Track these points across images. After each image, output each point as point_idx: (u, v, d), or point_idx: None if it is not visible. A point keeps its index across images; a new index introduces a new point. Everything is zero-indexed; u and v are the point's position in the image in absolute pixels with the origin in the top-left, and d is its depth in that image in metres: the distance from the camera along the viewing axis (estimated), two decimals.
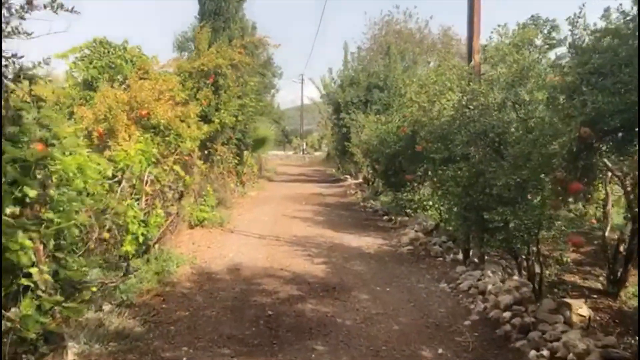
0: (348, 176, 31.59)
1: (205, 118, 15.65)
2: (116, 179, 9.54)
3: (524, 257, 8.74)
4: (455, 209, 9.89)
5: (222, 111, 16.27)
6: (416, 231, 14.07)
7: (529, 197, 8.10)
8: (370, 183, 24.64)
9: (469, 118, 9.00)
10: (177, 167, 12.32)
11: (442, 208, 15.20)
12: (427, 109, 10.94)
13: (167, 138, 12.24)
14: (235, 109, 16.84)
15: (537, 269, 8.08)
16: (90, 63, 13.97)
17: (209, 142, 16.74)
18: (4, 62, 4.42)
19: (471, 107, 8.87)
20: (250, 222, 15.77)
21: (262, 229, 14.72)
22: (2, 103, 4.34)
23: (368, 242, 13.14)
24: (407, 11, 43.12)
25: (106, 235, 9.24)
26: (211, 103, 16.09)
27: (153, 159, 11.19)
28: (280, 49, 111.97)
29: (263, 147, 25.59)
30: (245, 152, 23.96)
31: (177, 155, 12.58)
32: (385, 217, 16.93)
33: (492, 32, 9.73)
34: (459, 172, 9.37)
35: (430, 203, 15.33)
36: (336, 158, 36.02)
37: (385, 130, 16.61)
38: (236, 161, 21.54)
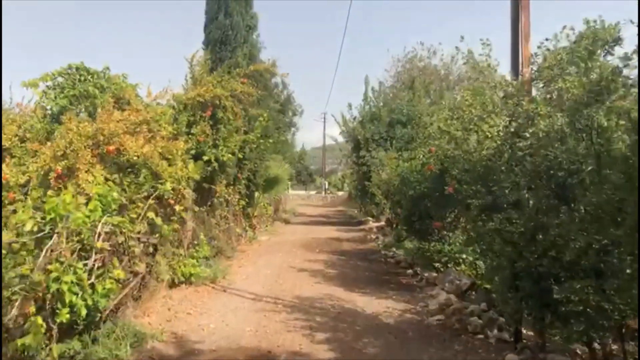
0: (370, 218, 28.79)
1: (201, 155, 13.22)
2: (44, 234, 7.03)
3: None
4: (501, 274, 7.03)
5: (221, 147, 13.75)
6: (447, 292, 11.22)
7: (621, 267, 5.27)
8: (394, 226, 21.80)
9: (521, 150, 6.24)
10: (151, 214, 9.77)
11: (477, 262, 12.39)
12: (461, 140, 8.21)
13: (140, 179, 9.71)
14: (236, 146, 14.31)
15: None
16: (62, 92, 11.64)
17: (206, 183, 14.19)
18: None
19: (526, 134, 6.11)
20: (250, 277, 13.09)
21: (261, 286, 12.03)
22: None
23: (387, 306, 10.33)
24: (432, 48, 40.78)
25: (31, 309, 6.70)
26: (208, 138, 13.61)
27: (114, 206, 8.65)
28: (303, 90, 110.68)
29: (276, 188, 22.97)
30: (256, 193, 21.44)
31: (153, 199, 10.01)
32: (410, 272, 14.07)
33: (542, 42, 7.08)
34: (507, 226, 6.57)
35: (464, 256, 12.45)
36: (357, 199, 33.30)
37: (408, 168, 13.88)
38: (244, 203, 18.98)
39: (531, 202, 6.26)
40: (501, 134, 6.86)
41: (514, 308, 6.93)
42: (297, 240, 20.67)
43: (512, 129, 6.65)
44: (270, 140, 18.20)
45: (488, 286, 11.21)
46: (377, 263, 15.96)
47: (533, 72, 7.12)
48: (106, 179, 9.21)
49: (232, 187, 17.33)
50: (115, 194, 8.67)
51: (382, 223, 25.29)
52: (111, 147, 9.70)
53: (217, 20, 17.29)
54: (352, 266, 15.09)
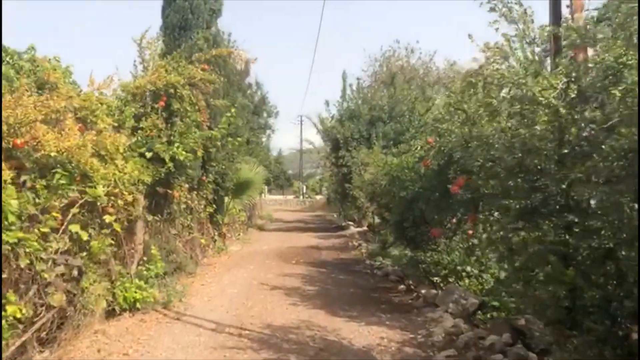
0: (350, 223, 26.47)
1: (155, 154, 10.78)
2: None
3: None
4: (553, 308, 4.72)
5: (177, 144, 11.29)
6: (451, 314, 8.95)
7: None
8: (376, 231, 19.53)
9: (595, 124, 3.95)
10: (75, 227, 7.37)
11: (483, 275, 10.15)
12: (478, 120, 5.90)
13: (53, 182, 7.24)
14: (197, 143, 11.88)
15: None
16: None
17: (162, 187, 11.73)
18: None
19: (604, 98, 3.84)
20: (213, 299, 10.66)
21: (225, 310, 9.66)
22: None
23: (381, 336, 8.03)
24: (409, 46, 38.77)
25: None
26: (160, 134, 11.15)
27: (12, 218, 6.25)
28: (279, 93, 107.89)
29: (249, 192, 20.53)
30: (226, 199, 19.00)
31: (79, 207, 7.58)
32: (402, 287, 11.76)
33: None
34: (569, 239, 4.28)
35: (468, 268, 10.19)
36: (337, 202, 30.97)
37: (398, 165, 11.58)
38: (212, 209, 16.54)
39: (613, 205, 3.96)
40: (560, 101, 4.58)
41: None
42: (272, 250, 18.25)
43: (575, 93, 4.39)
44: (239, 139, 15.78)
45: (497, 304, 9.02)
46: (362, 276, 13.64)
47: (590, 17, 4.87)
48: (12, 182, 6.71)
49: (196, 191, 14.90)
50: (13, 202, 6.22)
51: (365, 228, 23.02)
52: (19, 140, 7.19)
53: (175, 3, 14.82)
54: (334, 281, 12.74)
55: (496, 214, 6.46)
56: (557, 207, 4.82)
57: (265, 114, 37.54)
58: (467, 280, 10.25)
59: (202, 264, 14.55)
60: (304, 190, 59.32)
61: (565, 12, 5.78)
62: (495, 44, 5.70)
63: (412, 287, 11.41)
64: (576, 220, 4.55)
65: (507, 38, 5.55)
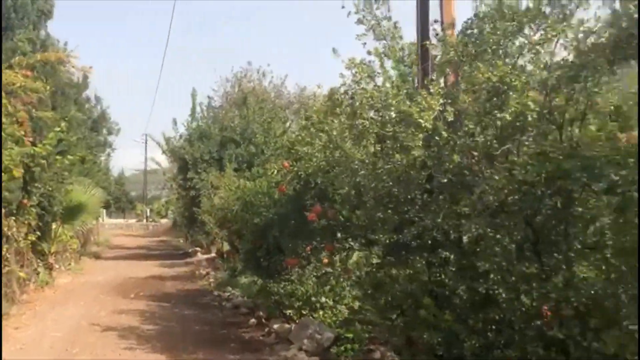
0: (198, 249, 24.94)
1: None
2: None
3: None
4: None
5: None
6: (307, 351, 8.23)
7: None
8: (226, 257, 18.40)
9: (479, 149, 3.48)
10: None
11: (338, 306, 9.65)
12: (342, 143, 5.29)
13: None
14: (14, 161, 9.97)
15: None
16: None
17: None
18: None
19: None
20: (28, 347, 8.82)
21: None
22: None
23: None
24: (261, 69, 38.43)
25: None
26: None
27: None
28: (124, 110, 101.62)
29: (82, 217, 18.30)
30: (54, 225, 16.68)
31: None
32: (253, 321, 10.80)
33: None
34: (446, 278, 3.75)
35: (323, 300, 9.61)
36: (183, 227, 29.19)
37: (252, 189, 10.74)
38: (35, 237, 14.26)
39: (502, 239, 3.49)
40: (439, 123, 4.08)
41: None
42: (109, 282, 16.27)
43: (453, 116, 3.92)
44: (70, 157, 13.85)
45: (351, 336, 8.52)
46: (210, 309, 12.46)
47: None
48: None
49: (14, 217, 12.69)
50: None
51: (213, 254, 21.72)
52: None
53: None
54: (178, 317, 11.41)
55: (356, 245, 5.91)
56: (431, 242, 4.32)
57: (105, 131, 34.59)
58: (321, 312, 9.64)
59: (20, 301, 12.32)
60: (148, 214, 55.87)
61: (436, 27, 5.44)
62: (362, 61, 5.17)
63: (264, 320, 10.53)
64: (452, 257, 4.06)
65: (378, 53, 5.04)
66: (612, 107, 4.36)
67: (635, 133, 4.80)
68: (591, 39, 3.96)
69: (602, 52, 3.83)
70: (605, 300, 3.43)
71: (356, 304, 9.02)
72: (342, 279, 9.35)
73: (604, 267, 3.63)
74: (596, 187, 3.53)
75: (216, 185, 16.67)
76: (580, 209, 4.22)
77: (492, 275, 3.85)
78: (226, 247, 18.43)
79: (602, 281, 3.68)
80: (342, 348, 8.27)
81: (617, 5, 3.96)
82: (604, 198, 4.02)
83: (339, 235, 7.64)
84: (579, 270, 3.74)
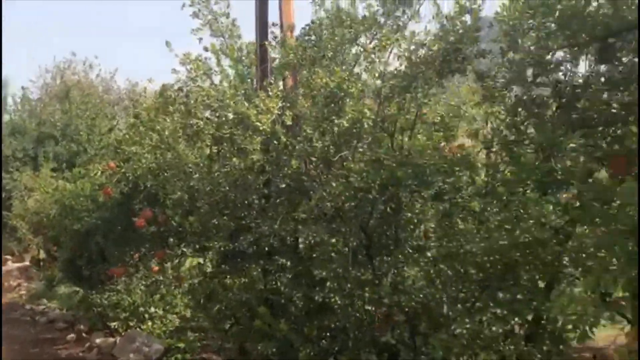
0: (9, 257, 22.14)
1: None
2: None
3: None
4: None
5: None
6: None
7: None
8: (42, 266, 16.58)
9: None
10: None
11: (169, 316, 9.16)
12: (175, 144, 4.94)
13: None
14: None
15: None
16: None
17: None
18: None
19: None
20: None
21: None
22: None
23: None
24: (87, 61, 35.58)
25: None
26: None
27: None
28: None
29: None
30: None
31: None
32: (72, 336, 9.77)
33: None
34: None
35: (152, 310, 9.05)
36: None
37: (72, 191, 9.71)
38: None
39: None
40: (277, 127, 3.94)
41: None
42: None
43: (291, 120, 3.81)
44: None
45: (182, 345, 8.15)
46: (20, 325, 11.03)
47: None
48: None
49: None
50: None
51: (27, 263, 19.45)
52: None
53: None
54: None
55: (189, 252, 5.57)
56: (267, 249, 4.17)
57: None
58: (150, 323, 9.04)
59: None
60: None
61: (275, 30, 5.31)
62: (198, 57, 4.86)
63: (85, 334, 9.60)
64: (288, 264, 3.95)
65: (215, 50, 4.77)
66: (438, 118, 4.60)
67: (457, 144, 5.12)
68: (422, 51, 4.13)
69: (432, 64, 4.01)
70: (433, 304, 3.56)
71: (188, 312, 8.64)
72: (173, 287, 8.86)
73: (431, 272, 3.77)
74: (425, 194, 3.65)
75: (30, 187, 14.92)
76: (409, 214, 4.38)
77: (328, 283, 3.81)
78: (43, 254, 16.61)
79: (430, 285, 3.81)
80: (173, 359, 7.84)
81: (445, 21, 4.19)
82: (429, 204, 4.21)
83: (170, 241, 7.20)
84: (409, 274, 3.85)
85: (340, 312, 3.76)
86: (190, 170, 4.85)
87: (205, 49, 5.13)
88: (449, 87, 5.86)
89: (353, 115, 3.98)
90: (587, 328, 2.76)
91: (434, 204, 4.26)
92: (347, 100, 3.97)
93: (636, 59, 4.07)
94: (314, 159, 4.16)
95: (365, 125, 4.15)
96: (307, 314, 4.05)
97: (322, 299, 3.81)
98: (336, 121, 3.87)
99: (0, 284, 4.04)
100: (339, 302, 3.76)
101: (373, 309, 3.72)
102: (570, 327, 2.92)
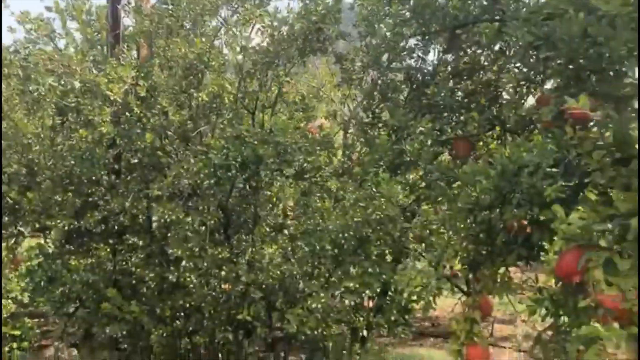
0: None
1: None
2: None
3: None
4: None
5: None
6: None
7: None
8: None
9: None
10: None
11: (5, 302, 8.34)
12: (12, 113, 4.43)
13: None
14: None
15: None
16: None
17: None
18: None
19: None
20: None
21: None
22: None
23: None
24: None
25: None
26: None
27: None
28: None
29: None
30: None
31: None
32: None
33: None
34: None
35: None
36: None
37: None
38: None
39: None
40: (130, 98, 3.65)
41: None
42: None
43: (146, 92, 3.56)
44: None
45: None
46: None
47: None
48: None
49: None
50: None
51: None
52: None
53: None
54: None
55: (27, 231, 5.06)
56: (117, 227, 3.90)
57: None
58: None
59: None
60: None
61: None
62: (39, 17, 4.36)
63: None
64: (140, 243, 3.74)
65: (60, 10, 4.31)
66: (299, 98, 4.63)
67: (316, 123, 5.21)
68: (285, 29, 4.10)
69: (294, 42, 4.00)
70: (289, 280, 3.60)
71: (26, 297, 7.92)
72: (8, 270, 8.03)
73: (289, 249, 3.80)
74: (287, 172, 3.65)
75: None
76: (268, 192, 4.37)
77: (183, 262, 3.67)
78: None
79: (287, 262, 3.84)
80: (7, 348, 7.15)
81: (308, 0, 4.19)
82: (290, 182, 4.24)
83: (5, 220, 6.49)
84: (267, 251, 3.85)
85: (196, 291, 3.66)
86: (30, 141, 4.37)
87: (48, 9, 4.61)
88: (310, 67, 5.93)
89: (213, 89, 3.84)
90: (430, 298, 2.96)
91: (293, 183, 4.31)
92: (208, 73, 3.82)
93: (480, 51, 4.43)
94: (170, 133, 3.95)
95: (226, 101, 4.03)
96: (159, 294, 3.87)
97: (176, 278, 3.67)
98: (195, 94, 3.70)
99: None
100: (194, 281, 3.65)
101: (230, 287, 3.67)
102: (415, 298, 3.10)
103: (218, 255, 3.71)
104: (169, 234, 3.88)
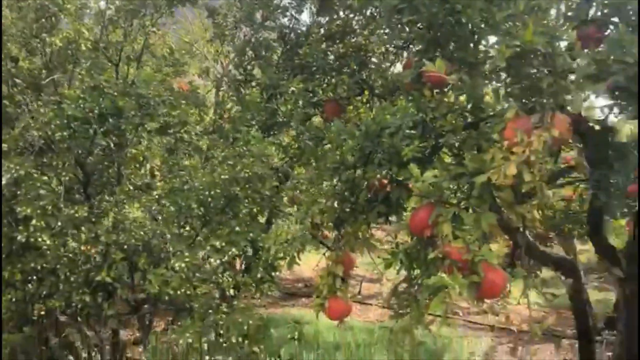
0: None
1: None
2: None
3: None
4: None
5: None
6: None
7: None
8: None
9: None
10: None
11: None
12: None
13: None
14: None
15: None
16: None
17: None
18: None
19: None
20: None
21: None
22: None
23: None
24: None
25: None
26: None
27: None
28: None
29: None
30: None
31: None
32: None
33: None
34: None
35: None
36: None
37: None
38: None
39: None
40: None
41: None
42: None
43: None
44: None
45: None
46: None
47: None
48: None
49: None
50: None
51: None
52: None
53: None
54: None
55: None
56: None
57: None
58: None
59: None
60: None
61: None
62: None
63: None
64: None
65: None
66: (167, 51, 4.40)
67: (187, 80, 5.01)
68: None
69: None
70: (154, 241, 3.46)
71: None
72: None
73: (153, 208, 3.65)
74: (150, 127, 3.47)
75: None
76: (134, 151, 4.15)
77: (34, 221, 3.37)
78: None
79: (152, 222, 3.69)
80: None
81: None
82: (156, 140, 4.05)
83: None
84: (131, 211, 3.66)
85: (50, 252, 3.39)
86: None
87: None
88: (184, 22, 5.66)
89: (68, 34, 3.51)
90: (295, 254, 3.00)
91: (161, 141, 4.12)
92: (63, 16, 3.47)
93: (352, 15, 4.47)
94: (19, 81, 3.57)
95: (83, 47, 3.71)
96: (8, 256, 3.55)
97: (25, 238, 3.36)
98: (48, 40, 3.36)
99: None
100: (47, 242, 3.37)
101: (89, 248, 3.45)
102: (281, 255, 3.13)
103: (75, 214, 3.46)
104: (18, 192, 3.54)
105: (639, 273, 3.53)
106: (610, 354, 5.14)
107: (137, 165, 4.46)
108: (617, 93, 2.47)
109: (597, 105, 2.55)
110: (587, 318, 4.96)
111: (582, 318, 4.85)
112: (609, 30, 2.80)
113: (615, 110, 2.55)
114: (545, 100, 2.27)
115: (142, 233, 3.53)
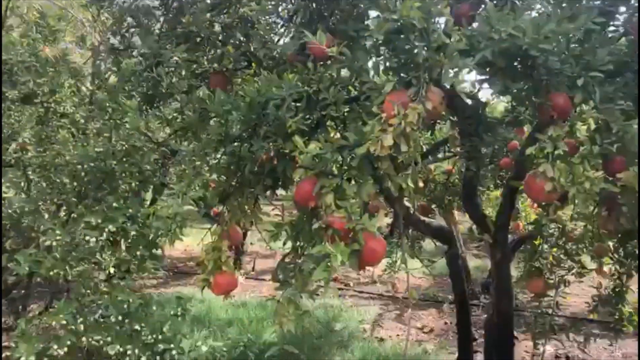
0: None
1: None
2: None
3: None
4: None
5: None
6: None
7: None
8: None
9: None
10: None
11: None
12: None
13: None
14: None
15: None
16: None
17: None
18: None
19: None
20: None
21: None
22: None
23: None
24: None
25: None
26: None
27: None
28: None
29: None
30: None
31: None
32: None
33: None
34: None
35: None
36: None
37: None
38: None
39: None
40: None
41: None
42: None
43: None
44: None
45: None
46: None
47: None
48: None
49: None
50: None
51: None
52: None
53: None
54: None
55: None
56: None
57: None
58: None
59: None
60: None
61: None
62: None
63: None
64: None
65: None
66: (36, 16, 4.06)
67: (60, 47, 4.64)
68: None
69: None
70: (24, 219, 3.21)
71: None
72: None
73: (24, 184, 3.37)
74: (11, 94, 3.19)
75: None
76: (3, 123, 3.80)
77: None
78: None
79: (23, 199, 3.42)
80: None
81: None
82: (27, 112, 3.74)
83: None
84: None
85: None
86: None
87: None
88: None
89: None
90: (177, 229, 2.92)
91: (32, 113, 3.81)
92: None
93: None
94: None
95: None
96: None
97: None
98: None
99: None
100: None
101: None
102: (163, 231, 3.03)
103: None
104: None
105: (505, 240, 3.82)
106: (486, 315, 5.57)
107: (7, 139, 4.09)
108: (487, 69, 2.62)
109: (470, 80, 2.69)
110: (463, 283, 5.33)
111: (458, 283, 5.20)
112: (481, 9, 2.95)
113: (485, 85, 2.71)
114: (420, 75, 2.34)
115: (9, 211, 3.25)
